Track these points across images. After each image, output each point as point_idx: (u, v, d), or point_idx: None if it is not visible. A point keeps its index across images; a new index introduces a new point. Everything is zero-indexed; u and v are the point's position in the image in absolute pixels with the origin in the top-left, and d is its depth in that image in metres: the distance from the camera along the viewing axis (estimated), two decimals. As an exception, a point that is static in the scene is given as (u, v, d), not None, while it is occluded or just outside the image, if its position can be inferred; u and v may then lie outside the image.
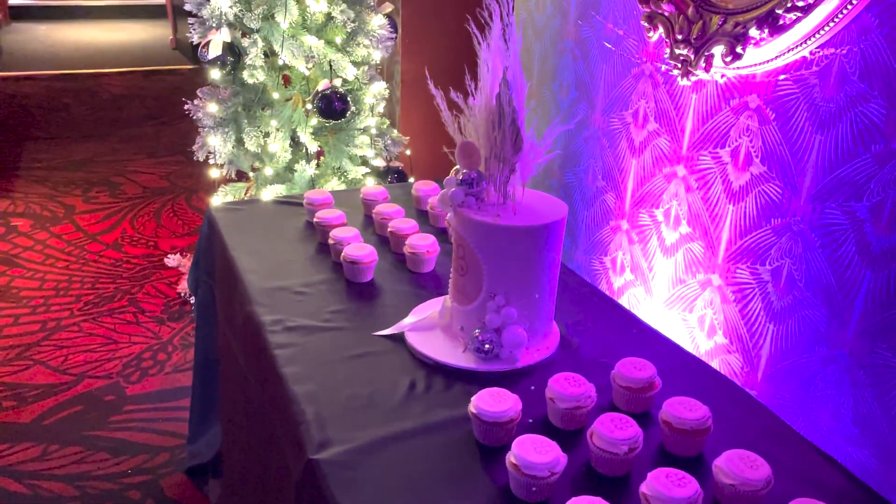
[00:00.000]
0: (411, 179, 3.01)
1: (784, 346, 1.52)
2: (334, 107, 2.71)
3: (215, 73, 2.78)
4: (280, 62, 2.74)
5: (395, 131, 3.07)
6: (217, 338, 1.91)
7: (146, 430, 2.46)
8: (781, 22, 1.34)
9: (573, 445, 1.23)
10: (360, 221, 2.03)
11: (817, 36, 1.33)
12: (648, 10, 1.64)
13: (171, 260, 3.43)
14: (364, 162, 2.95)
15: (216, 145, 2.81)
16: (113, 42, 7.71)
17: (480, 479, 1.18)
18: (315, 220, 1.91)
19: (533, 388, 1.34)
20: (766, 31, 1.37)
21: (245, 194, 2.97)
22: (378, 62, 2.92)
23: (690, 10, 1.54)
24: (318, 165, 2.92)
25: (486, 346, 1.42)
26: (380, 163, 2.98)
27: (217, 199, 2.90)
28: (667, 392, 1.33)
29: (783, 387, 1.53)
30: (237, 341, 1.70)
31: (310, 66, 2.74)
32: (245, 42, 2.69)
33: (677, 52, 1.57)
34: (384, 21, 2.82)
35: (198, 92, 2.86)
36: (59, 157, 4.77)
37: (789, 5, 1.31)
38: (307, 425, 1.26)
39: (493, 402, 1.23)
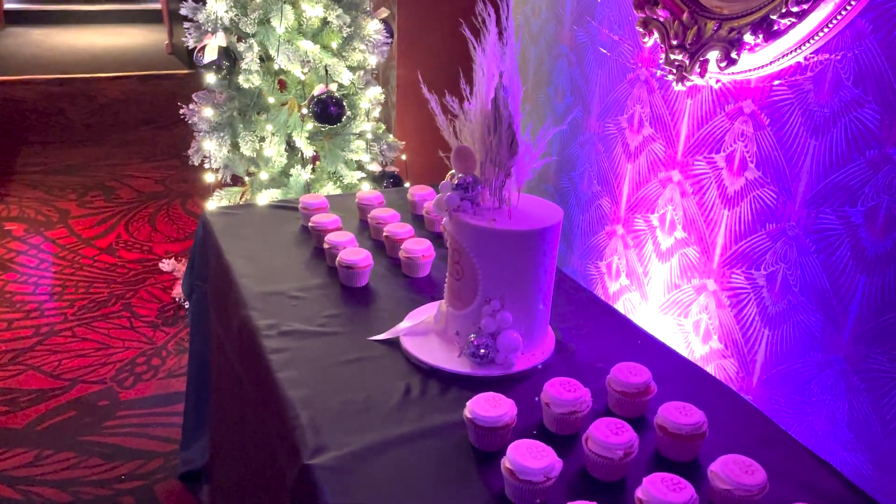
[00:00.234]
0: (407, 184, 3.01)
1: (779, 351, 1.52)
2: (330, 111, 2.70)
3: (211, 78, 2.78)
4: (276, 67, 2.74)
5: (391, 136, 3.07)
6: (213, 342, 1.91)
7: (140, 436, 2.45)
8: (776, 27, 1.34)
9: (569, 450, 1.23)
10: (355, 226, 2.02)
11: (812, 41, 1.33)
12: (643, 15, 1.65)
13: (166, 264, 3.42)
14: (360, 167, 2.94)
15: (211, 149, 2.81)
16: (109, 47, 7.70)
17: (476, 484, 1.17)
18: (310, 224, 1.90)
19: (537, 399, 1.33)
20: (761, 36, 1.37)
21: (240, 199, 2.97)
22: (374, 67, 2.92)
23: (685, 16, 1.54)
24: (313, 170, 2.92)
25: (482, 350, 1.41)
26: (375, 167, 2.98)
27: (212, 204, 2.89)
28: (662, 397, 1.32)
29: (778, 392, 1.53)
30: (232, 346, 1.69)
31: (305, 70, 2.73)
32: (241, 46, 2.69)
33: (672, 57, 1.57)
34: (380, 26, 2.82)
35: (193, 96, 2.86)
36: (55, 162, 4.76)
37: (784, 11, 1.32)
38: (302, 430, 1.26)
39: (488, 407, 1.23)
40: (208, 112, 2.79)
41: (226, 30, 2.69)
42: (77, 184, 4.43)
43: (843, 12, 1.27)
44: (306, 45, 2.69)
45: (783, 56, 1.38)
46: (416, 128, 3.52)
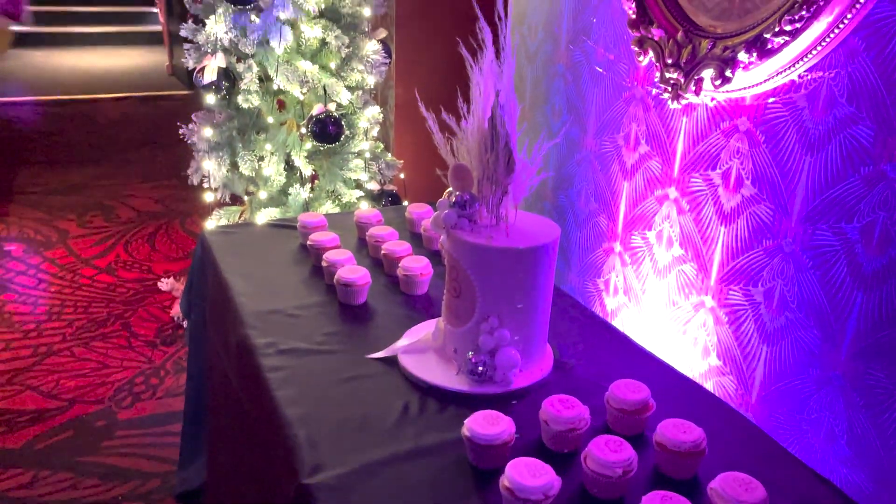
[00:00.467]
0: (405, 202, 3.02)
1: (778, 368, 1.51)
2: (329, 131, 2.72)
3: (210, 98, 2.80)
4: (275, 87, 2.76)
5: (390, 155, 3.09)
6: (212, 360, 1.90)
7: (138, 456, 2.43)
8: (769, 46, 1.36)
9: (567, 468, 1.23)
10: (353, 244, 2.03)
11: (805, 59, 1.34)
12: (638, 34, 1.66)
13: (165, 284, 3.42)
14: (358, 185, 2.96)
15: (211, 169, 2.82)
16: (110, 68, 7.75)
17: (474, 502, 1.16)
18: (309, 242, 1.91)
19: (514, 402, 1.33)
20: (755, 54, 1.38)
21: (239, 218, 2.98)
22: (372, 87, 2.94)
23: (680, 35, 1.56)
24: (312, 189, 2.93)
25: (480, 368, 1.41)
26: (374, 186, 2.99)
27: (211, 223, 2.90)
28: (661, 414, 1.32)
29: (777, 409, 1.52)
30: (230, 364, 1.69)
31: (304, 90, 2.75)
32: (240, 67, 2.71)
33: (668, 75, 1.58)
34: (378, 46, 2.84)
35: (193, 116, 2.88)
36: (55, 182, 4.77)
37: (777, 30, 1.33)
38: (299, 449, 1.25)
39: (486, 425, 1.22)
40: (208, 132, 2.81)
41: (225, 51, 2.72)
42: (77, 204, 4.44)
43: (836, 31, 1.28)
44: (305, 66, 2.71)
45: (777, 74, 1.39)
46: (415, 147, 3.54)
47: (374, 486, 1.18)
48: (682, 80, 1.55)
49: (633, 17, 1.67)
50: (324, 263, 1.79)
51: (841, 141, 1.34)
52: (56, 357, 2.93)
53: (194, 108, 3.01)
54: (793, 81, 1.40)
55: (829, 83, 1.34)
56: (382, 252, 1.86)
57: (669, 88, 1.59)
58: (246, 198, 3.01)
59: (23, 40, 8.24)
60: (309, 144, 2.82)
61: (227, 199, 2.98)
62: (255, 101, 2.73)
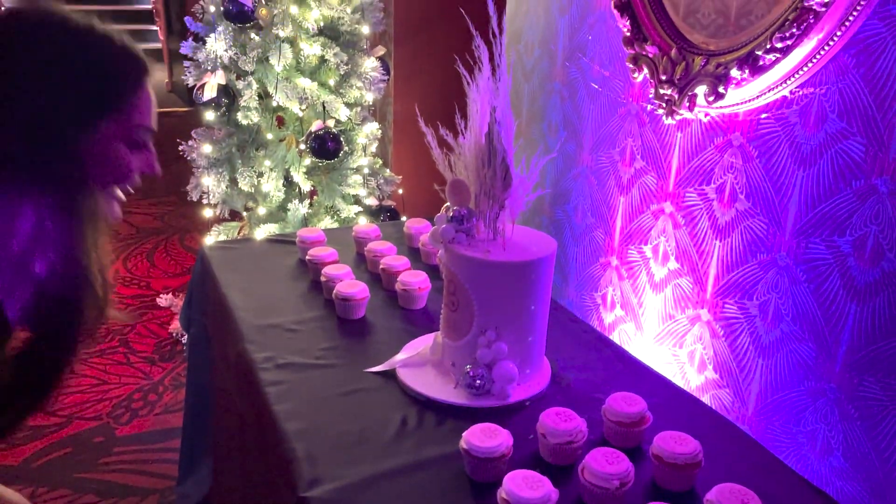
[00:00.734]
0: (403, 218, 3.03)
1: (774, 381, 1.52)
2: (327, 147, 2.75)
3: (210, 115, 2.82)
4: (274, 103, 2.79)
5: (388, 171, 3.11)
6: (212, 375, 1.91)
7: (136, 472, 2.43)
8: (761, 63, 1.38)
9: (565, 481, 1.23)
10: (352, 259, 2.04)
11: (796, 76, 1.37)
12: (633, 51, 1.69)
13: (164, 300, 3.43)
14: (357, 201, 2.98)
15: (210, 185, 2.84)
16: (109, 85, 7.78)
17: (472, 515, 1.17)
18: (307, 257, 1.92)
19: (532, 436, 1.32)
20: (747, 71, 1.41)
21: (238, 233, 2.99)
22: (371, 103, 2.97)
23: (674, 52, 1.58)
24: (311, 205, 2.95)
25: (478, 381, 1.42)
26: (372, 202, 3.01)
27: (210, 239, 2.91)
28: (658, 427, 1.33)
29: (774, 421, 1.53)
30: (230, 378, 1.70)
31: (303, 107, 2.78)
32: (240, 84, 2.74)
33: (662, 92, 1.61)
34: (377, 64, 2.87)
35: (192, 133, 2.90)
36: (53, 198, 4.78)
37: (768, 47, 1.36)
38: (298, 462, 1.26)
39: (484, 438, 1.23)
40: (207, 148, 2.83)
41: (225, 68, 2.75)
42: (76, 220, 4.45)
43: (826, 48, 1.30)
44: (304, 83, 2.74)
45: (769, 90, 1.42)
46: (413, 163, 3.56)
47: (372, 500, 1.19)
48: (676, 97, 1.57)
49: (628, 34, 1.69)
50: (322, 278, 1.81)
51: (832, 156, 1.36)
52: (54, 373, 2.92)
53: (193, 124, 3.04)
54: (784, 97, 1.42)
55: (820, 99, 1.36)
56: (381, 267, 1.88)
57: (664, 104, 1.62)
58: (245, 213, 3.02)
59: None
60: (308, 160, 2.84)
61: (227, 215, 3.00)
62: (255, 117, 2.75)
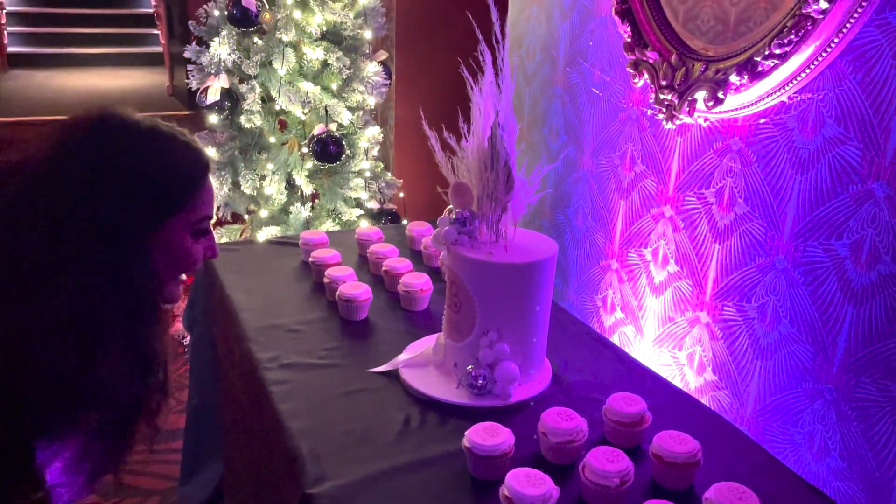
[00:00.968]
0: (405, 221, 3.05)
1: (772, 382, 1.54)
2: (329, 150, 2.77)
3: (213, 118, 2.84)
4: (277, 107, 2.81)
5: (389, 174, 3.13)
6: (218, 375, 1.92)
7: (138, 473, 2.44)
8: (760, 69, 1.40)
9: (566, 479, 1.25)
10: (354, 261, 2.06)
11: (794, 82, 1.39)
12: (634, 57, 1.71)
13: (166, 302, 3.43)
14: (358, 204, 3.00)
15: (213, 188, 2.85)
16: (110, 88, 7.82)
17: (474, 512, 1.19)
18: (310, 259, 1.94)
19: (535, 437, 1.34)
20: (746, 77, 1.43)
21: (240, 236, 3.01)
22: (372, 107, 2.99)
23: (674, 58, 1.60)
24: (312, 207, 2.97)
25: (480, 381, 1.44)
26: (374, 205, 3.03)
27: (213, 241, 2.93)
28: (657, 427, 1.35)
29: (772, 422, 1.55)
30: (236, 378, 1.71)
31: (306, 111, 2.80)
32: (243, 88, 2.76)
33: (662, 97, 1.63)
34: (379, 68, 2.90)
35: (195, 135, 2.91)
36: (55, 201, 4.79)
37: (767, 53, 1.38)
38: (302, 460, 1.27)
39: (486, 437, 1.25)
40: (210, 151, 2.85)
41: (228, 72, 2.77)
42: (77, 222, 4.46)
43: (824, 54, 1.33)
44: (307, 87, 2.77)
45: (768, 95, 1.44)
46: (414, 166, 3.58)
47: (376, 497, 1.20)
48: (676, 102, 1.59)
49: (629, 40, 1.72)
50: (325, 280, 1.82)
51: (830, 160, 1.38)
52: (57, 374, 2.94)
53: (195, 128, 3.05)
54: (783, 103, 1.44)
55: (817, 104, 1.39)
56: (383, 269, 1.89)
57: (664, 109, 1.64)
58: (247, 216, 3.04)
59: (24, 61, 8.31)
60: (310, 164, 2.86)
61: (229, 218, 3.02)
62: (258, 121, 2.78)
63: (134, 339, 1.09)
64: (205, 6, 2.85)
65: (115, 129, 1.11)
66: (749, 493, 1.16)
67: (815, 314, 1.44)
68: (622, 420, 1.35)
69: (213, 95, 2.74)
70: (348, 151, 2.86)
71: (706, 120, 1.60)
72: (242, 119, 2.77)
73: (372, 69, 2.87)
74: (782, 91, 1.42)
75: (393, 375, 1.53)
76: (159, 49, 8.15)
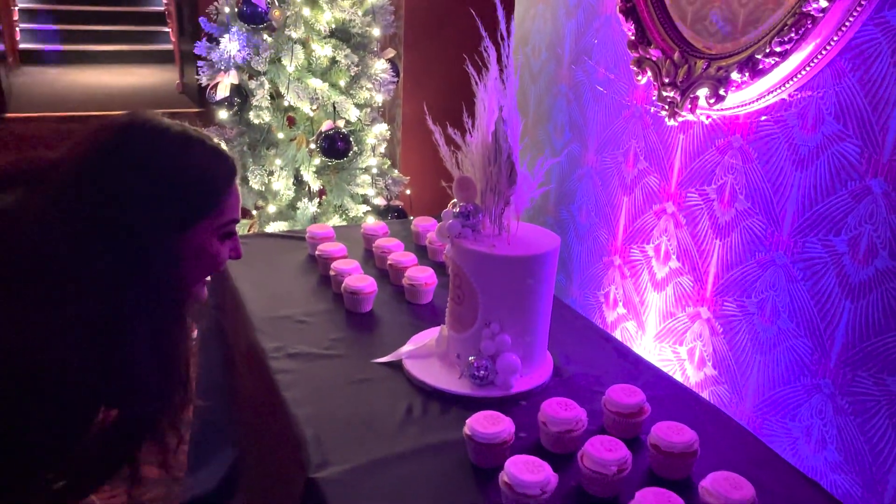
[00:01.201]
0: (411, 218, 3.08)
1: (771, 377, 1.56)
2: (337, 146, 2.80)
3: (223, 114, 2.88)
4: (285, 103, 2.84)
5: (396, 171, 3.16)
6: (229, 365, 1.95)
7: (145, 463, 2.47)
8: (761, 66, 1.42)
9: (565, 468, 1.27)
10: (360, 255, 2.09)
11: (795, 79, 1.41)
12: (637, 55, 1.73)
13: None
14: (365, 200, 3.02)
15: (221, 183, 2.89)
16: (121, 85, 7.88)
17: (474, 498, 1.21)
18: (317, 252, 1.97)
19: (523, 402, 1.37)
20: (747, 74, 1.45)
21: (249, 230, 3.04)
22: (380, 104, 3.02)
23: (676, 55, 1.62)
24: (320, 203, 3.00)
25: (481, 372, 1.46)
26: (380, 201, 3.06)
27: (221, 236, 2.96)
28: (656, 418, 1.37)
29: (771, 416, 1.57)
30: (244, 367, 1.74)
31: (314, 107, 2.83)
32: (252, 84, 2.80)
33: (665, 94, 1.65)
34: (386, 66, 2.92)
35: (204, 132, 2.95)
36: (66, 196, 4.84)
37: (767, 51, 1.40)
38: (307, 445, 1.30)
39: (487, 425, 1.27)
40: (219, 146, 2.88)
41: (238, 68, 2.80)
42: (88, 217, 4.51)
43: (824, 52, 1.34)
44: (315, 83, 2.79)
45: (769, 93, 1.45)
46: (421, 163, 3.61)
47: (378, 482, 1.23)
48: (679, 99, 1.61)
49: (633, 38, 1.74)
50: (331, 272, 1.85)
51: (829, 157, 1.40)
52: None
53: (204, 124, 3.08)
54: (783, 100, 1.46)
55: (817, 102, 1.40)
56: (389, 262, 1.92)
57: (666, 106, 1.66)
58: (255, 211, 3.07)
59: (36, 58, 8.38)
60: (318, 160, 2.89)
61: (237, 213, 3.05)
62: (266, 117, 2.81)
63: (159, 338, 1.11)
64: (216, 3, 2.88)
65: (145, 134, 1.13)
66: (744, 482, 1.18)
67: (813, 309, 1.46)
68: (621, 411, 1.37)
69: (222, 91, 2.77)
70: (355, 148, 2.89)
71: (708, 117, 1.62)
72: (251, 115, 2.80)
73: (380, 66, 2.89)
74: (783, 88, 1.43)
75: (396, 366, 1.56)
76: (170, 47, 8.22)
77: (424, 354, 1.58)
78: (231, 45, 2.74)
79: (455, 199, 1.53)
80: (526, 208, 1.49)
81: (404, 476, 1.25)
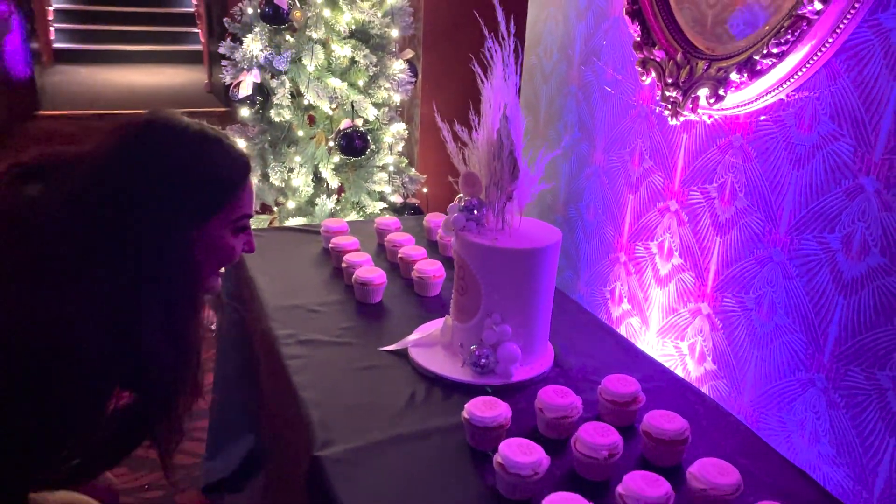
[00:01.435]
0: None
1: (767, 371, 1.60)
2: (355, 144, 2.87)
3: (245, 112, 2.96)
4: (305, 102, 2.91)
5: (413, 170, 3.22)
6: (248, 352, 2.02)
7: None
8: (759, 67, 1.46)
9: (560, 452, 1.32)
10: (373, 249, 2.15)
11: (792, 80, 1.44)
12: (642, 56, 1.77)
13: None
14: (382, 197, 3.09)
15: (243, 179, 2.97)
16: (151, 85, 8.04)
17: (470, 478, 1.27)
18: (330, 245, 2.03)
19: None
20: (746, 75, 1.49)
21: (269, 226, 3.12)
22: (398, 104, 3.08)
23: (679, 56, 1.67)
24: (338, 200, 3.07)
25: (482, 360, 1.52)
26: (397, 199, 3.12)
27: (241, 230, 3.04)
28: (651, 408, 1.41)
29: (767, 410, 1.60)
30: (260, 353, 1.81)
31: (333, 106, 2.90)
32: (273, 83, 2.87)
33: (667, 94, 1.69)
34: (404, 66, 2.99)
35: (227, 129, 3.04)
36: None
37: (765, 52, 1.43)
38: (313, 426, 1.36)
39: (484, 409, 1.33)
40: (241, 143, 2.96)
41: (260, 67, 2.88)
42: (115, 212, 4.62)
43: (819, 54, 1.38)
44: (335, 83, 2.87)
45: (767, 93, 1.49)
46: (438, 162, 3.67)
47: (379, 461, 1.29)
48: (681, 99, 1.65)
49: (638, 39, 1.78)
50: (343, 265, 1.92)
51: (824, 156, 1.43)
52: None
53: (230, 123, 3.18)
54: (781, 101, 1.50)
55: (813, 102, 1.44)
56: (399, 256, 1.98)
57: (669, 106, 1.70)
58: (276, 207, 3.16)
59: (70, 57, 8.59)
60: (337, 157, 2.96)
61: (258, 208, 3.13)
62: (287, 115, 2.88)
63: (173, 323, 1.17)
64: (239, 4, 2.97)
65: (164, 132, 1.19)
66: (731, 468, 1.22)
67: (808, 305, 1.49)
68: (616, 399, 1.42)
69: (244, 90, 2.86)
70: (373, 146, 2.95)
71: (710, 117, 1.66)
72: (272, 113, 2.88)
73: (398, 67, 2.96)
74: (780, 89, 1.47)
75: (402, 354, 1.62)
76: (199, 47, 8.37)
77: (429, 343, 1.63)
78: (253, 44, 2.82)
79: (461, 194, 1.58)
80: (536, 206, 1.55)
81: (404, 456, 1.31)
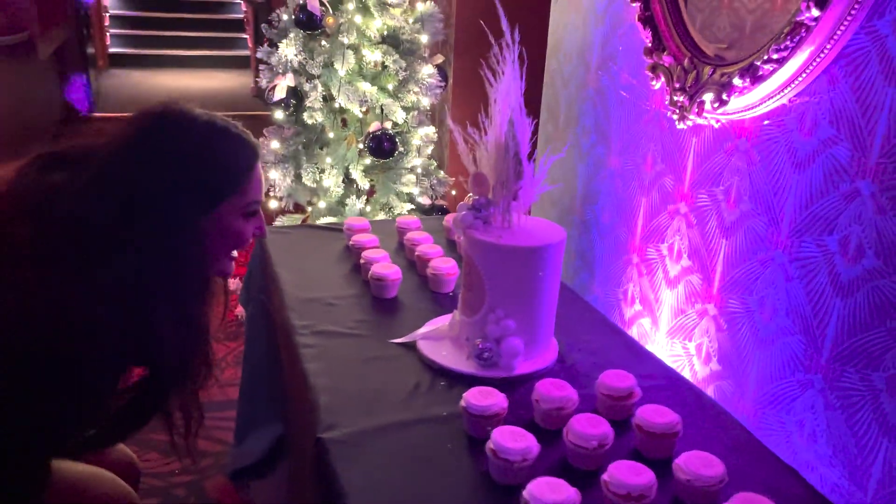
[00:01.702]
0: (452, 216, 3.21)
1: (768, 372, 1.62)
2: (384, 147, 2.95)
3: (279, 114, 3.08)
4: (337, 105, 3.01)
5: (442, 172, 3.29)
6: (274, 342, 2.11)
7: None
8: (760, 72, 1.49)
9: (553, 443, 1.37)
10: (392, 247, 2.22)
11: (793, 85, 1.47)
12: (652, 61, 1.81)
13: (232, 284, 3.70)
14: (410, 199, 3.17)
15: (276, 179, 3.09)
16: (200, 88, 8.28)
17: (465, 463, 1.33)
18: (351, 242, 2.12)
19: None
20: (748, 80, 1.52)
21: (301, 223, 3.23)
22: (427, 108, 3.16)
23: (686, 62, 1.70)
24: (367, 201, 3.16)
25: (486, 354, 1.58)
26: (425, 200, 3.20)
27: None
28: (647, 403, 1.44)
29: (768, 410, 1.62)
30: (281, 342, 1.90)
31: (364, 109, 3.00)
32: (307, 86, 2.98)
33: (675, 98, 1.73)
34: (433, 71, 3.07)
35: (263, 131, 3.16)
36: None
37: (766, 58, 1.46)
38: (319, 410, 1.44)
39: (481, 398, 1.39)
40: (275, 145, 3.08)
41: (294, 71, 2.99)
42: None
43: (818, 60, 1.40)
44: (365, 87, 2.96)
45: (769, 98, 1.52)
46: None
47: (379, 444, 1.36)
48: (687, 103, 1.69)
49: (649, 45, 1.82)
50: (361, 261, 1.99)
51: (823, 160, 1.45)
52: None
53: (268, 125, 3.30)
54: (784, 105, 1.53)
55: (814, 107, 1.46)
56: (416, 253, 2.05)
57: (677, 110, 1.74)
58: (309, 208, 3.26)
59: (124, 61, 8.91)
60: (367, 159, 3.06)
61: (291, 208, 3.24)
62: (319, 117, 2.99)
63: (184, 303, 1.26)
64: (277, 11, 3.09)
65: (176, 121, 1.28)
66: (716, 461, 1.25)
67: (807, 307, 1.51)
68: (612, 394, 1.46)
69: (279, 93, 2.97)
70: (402, 149, 3.03)
71: (717, 121, 1.69)
72: (305, 116, 2.98)
73: (427, 72, 3.04)
74: (782, 94, 1.50)
75: (411, 347, 1.69)
76: (247, 53, 8.60)
77: (438, 337, 1.70)
78: (288, 49, 2.94)
79: (471, 194, 1.65)
80: (555, 207, 1.60)
81: (404, 441, 1.37)
